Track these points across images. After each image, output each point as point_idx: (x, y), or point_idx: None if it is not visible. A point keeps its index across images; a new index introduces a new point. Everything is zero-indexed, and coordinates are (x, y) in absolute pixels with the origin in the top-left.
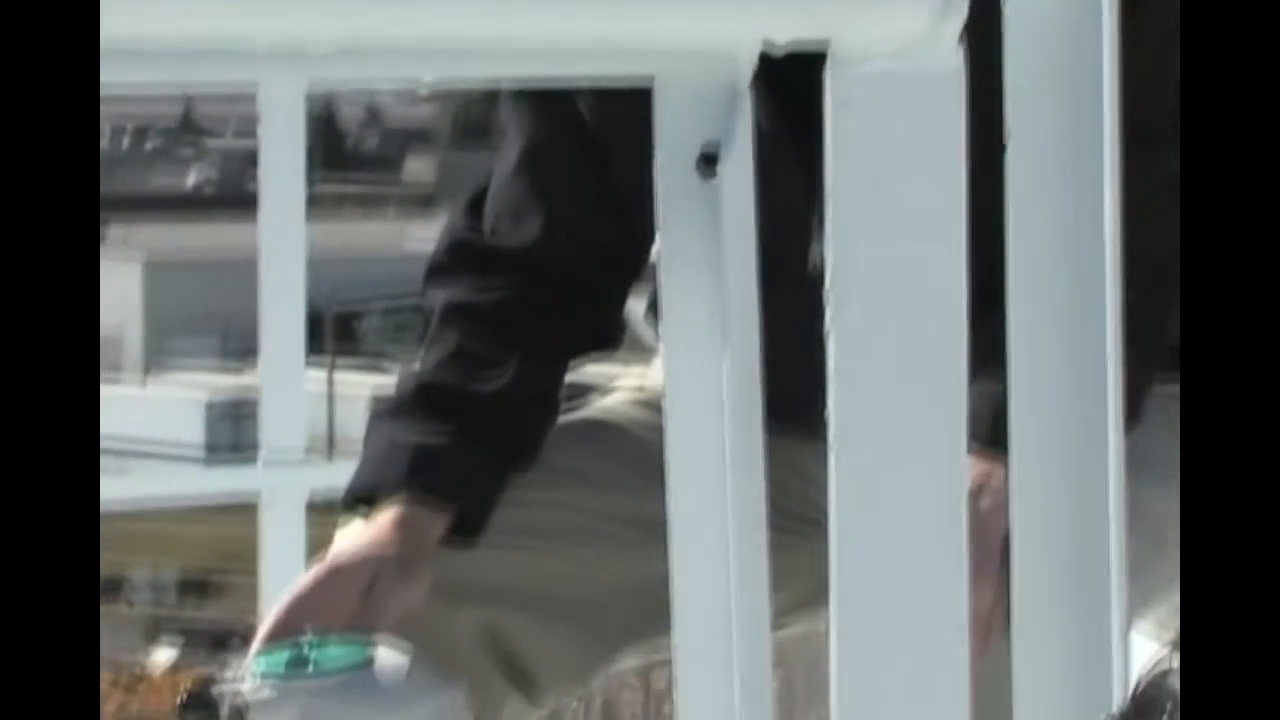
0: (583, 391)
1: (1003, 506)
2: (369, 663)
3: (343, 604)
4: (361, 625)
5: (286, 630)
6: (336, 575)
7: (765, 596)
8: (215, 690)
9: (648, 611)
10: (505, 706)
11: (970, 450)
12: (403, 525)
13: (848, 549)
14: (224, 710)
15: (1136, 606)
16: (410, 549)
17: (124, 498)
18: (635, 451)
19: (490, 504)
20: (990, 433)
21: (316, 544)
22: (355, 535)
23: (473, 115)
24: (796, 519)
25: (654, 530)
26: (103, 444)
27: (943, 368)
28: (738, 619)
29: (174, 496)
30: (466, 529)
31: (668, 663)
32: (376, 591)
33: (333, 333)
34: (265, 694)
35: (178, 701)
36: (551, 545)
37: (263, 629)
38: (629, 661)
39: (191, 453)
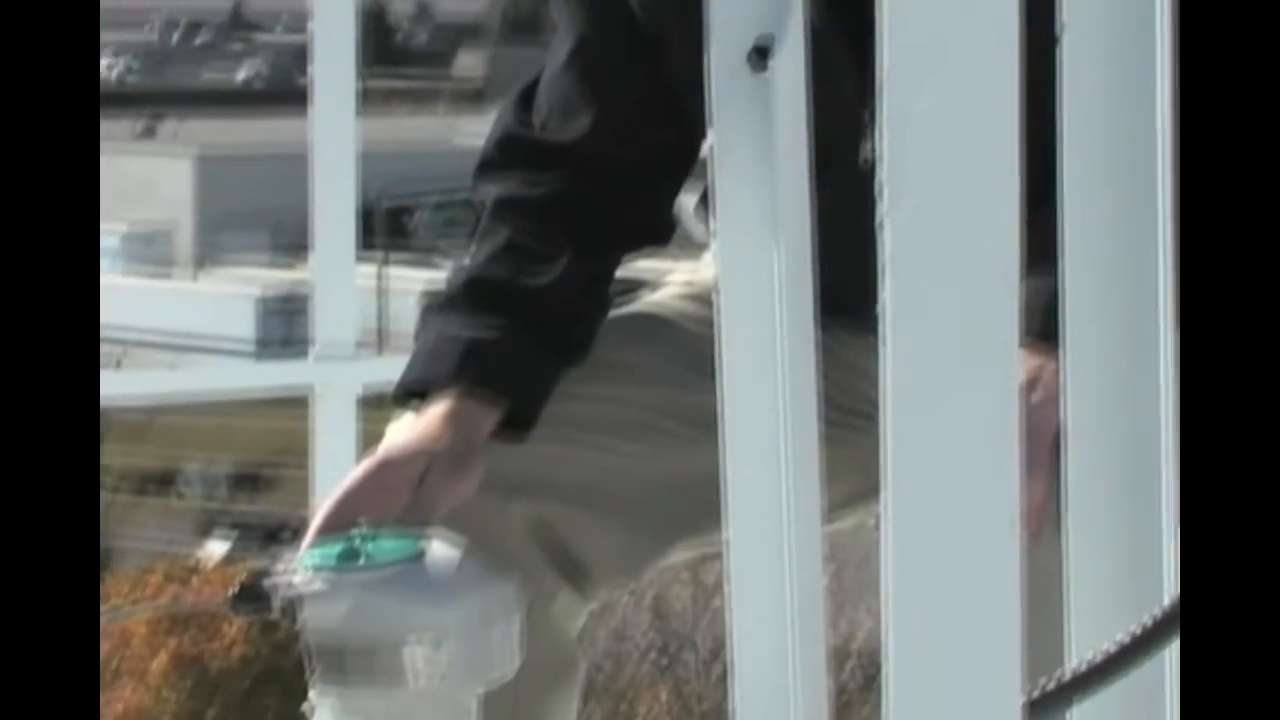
0: (633, 286)
1: (1054, 400)
2: (420, 555)
3: (394, 497)
4: (412, 518)
5: (338, 523)
6: (388, 468)
7: (817, 491)
8: (267, 583)
9: (699, 506)
10: (556, 599)
11: (1022, 344)
12: (453, 419)
13: (900, 443)
14: (276, 602)
15: None
16: (461, 442)
17: (176, 392)
18: (686, 346)
19: (541, 398)
20: (1043, 327)
21: (368, 438)
22: (406, 429)
23: (523, 10)
24: (849, 413)
25: (705, 425)
26: (155, 339)
27: (996, 261)
28: (790, 513)
29: (226, 391)
30: (517, 423)
31: (718, 557)
32: (427, 484)
33: (383, 228)
34: (317, 586)
35: (230, 594)
36: (603, 439)
37: (315, 522)
38: (680, 556)
39: (243, 347)
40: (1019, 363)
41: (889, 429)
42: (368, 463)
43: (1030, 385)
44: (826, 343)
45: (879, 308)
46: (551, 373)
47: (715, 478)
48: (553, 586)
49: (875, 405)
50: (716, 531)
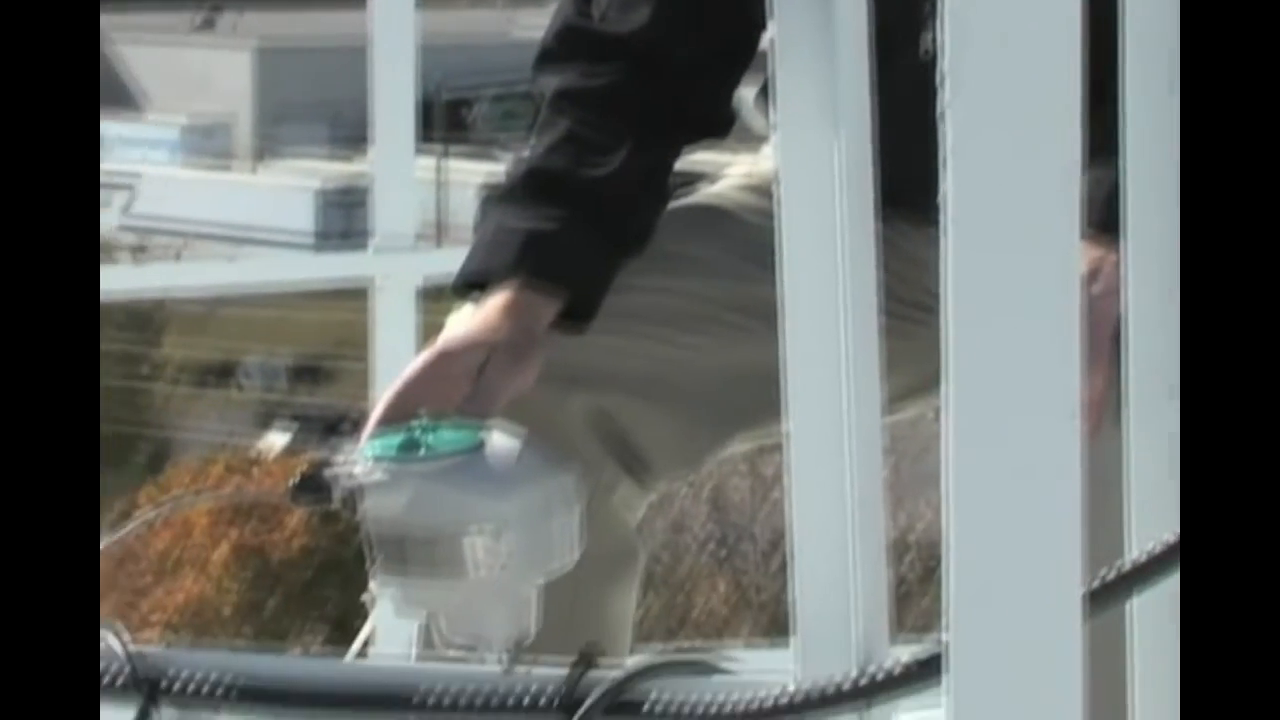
0: (691, 179)
1: (1115, 292)
2: (481, 446)
3: (454, 388)
4: (472, 409)
5: (398, 414)
6: (447, 359)
7: (877, 382)
8: (328, 474)
9: (759, 398)
10: (616, 490)
11: (1083, 236)
12: (513, 310)
13: (961, 334)
14: (336, 493)
15: None
16: (520, 333)
17: (236, 283)
18: (747, 237)
19: (601, 289)
20: (1104, 219)
21: (427, 330)
22: (466, 320)
23: None
24: (910, 305)
25: (765, 316)
26: (214, 231)
27: (1058, 151)
28: (850, 405)
29: (286, 283)
30: (577, 314)
31: (777, 449)
32: (487, 375)
33: (442, 120)
34: (377, 477)
35: (290, 485)
36: (663, 331)
37: (375, 413)
38: (738, 447)
39: (302, 240)
40: (1079, 255)
41: (949, 321)
42: (427, 354)
43: (1090, 277)
44: (887, 235)
45: (940, 199)
46: (611, 264)
47: (775, 370)
48: (612, 478)
49: (936, 297)
50: (775, 423)
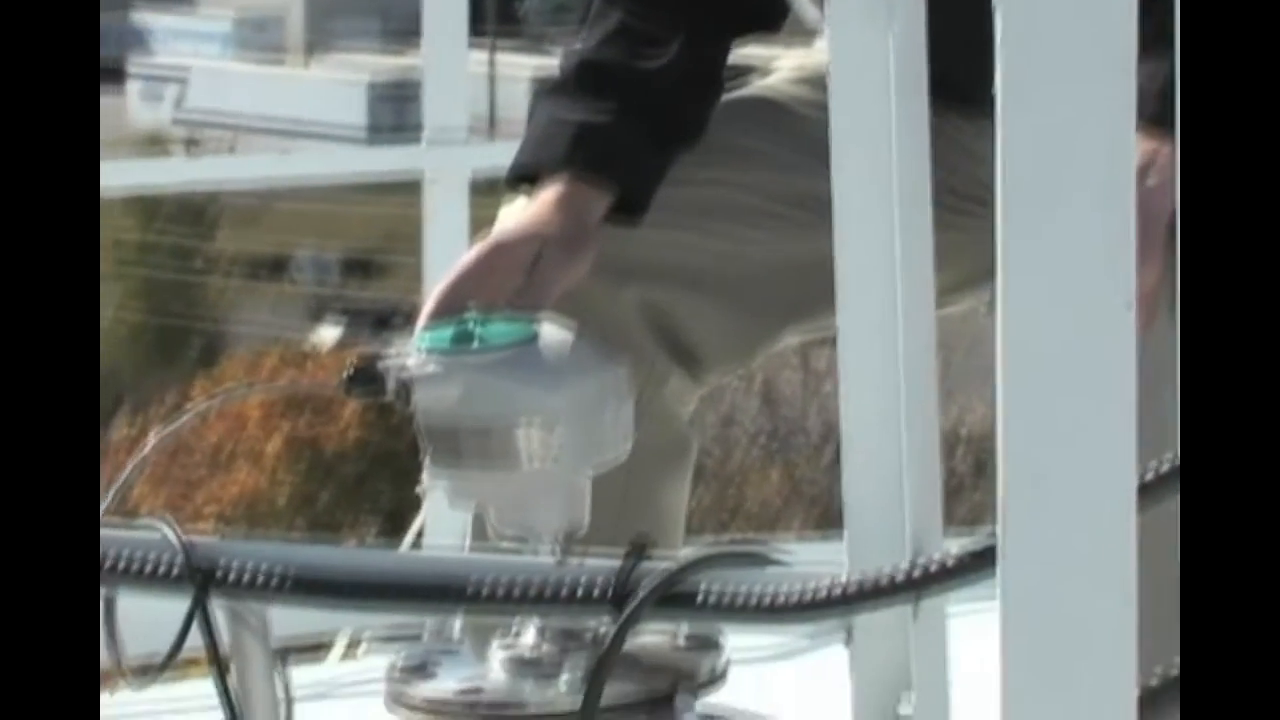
0: (743, 72)
1: (1168, 185)
2: (534, 338)
3: (506, 280)
4: (525, 301)
5: (452, 306)
6: (500, 251)
7: (930, 275)
8: (381, 365)
9: (810, 290)
10: (668, 383)
11: (1137, 128)
12: (565, 202)
13: (1013, 225)
14: (389, 385)
15: None
16: (573, 225)
17: (289, 177)
18: (799, 129)
19: (653, 181)
20: (1157, 111)
21: (478, 224)
22: (519, 213)
23: None
24: (963, 198)
25: (817, 208)
26: (266, 125)
27: (1112, 43)
28: (902, 298)
29: (339, 176)
30: (629, 207)
31: (827, 342)
32: (540, 267)
33: (494, 14)
34: (430, 368)
35: (343, 377)
36: (715, 223)
37: (428, 305)
38: (790, 340)
39: (354, 134)
40: (1134, 146)
41: (1002, 211)
42: (480, 246)
43: (1144, 170)
44: (940, 127)
45: (994, 91)
46: (664, 157)
47: (828, 261)
48: (664, 370)
49: (990, 190)
50: (828, 316)
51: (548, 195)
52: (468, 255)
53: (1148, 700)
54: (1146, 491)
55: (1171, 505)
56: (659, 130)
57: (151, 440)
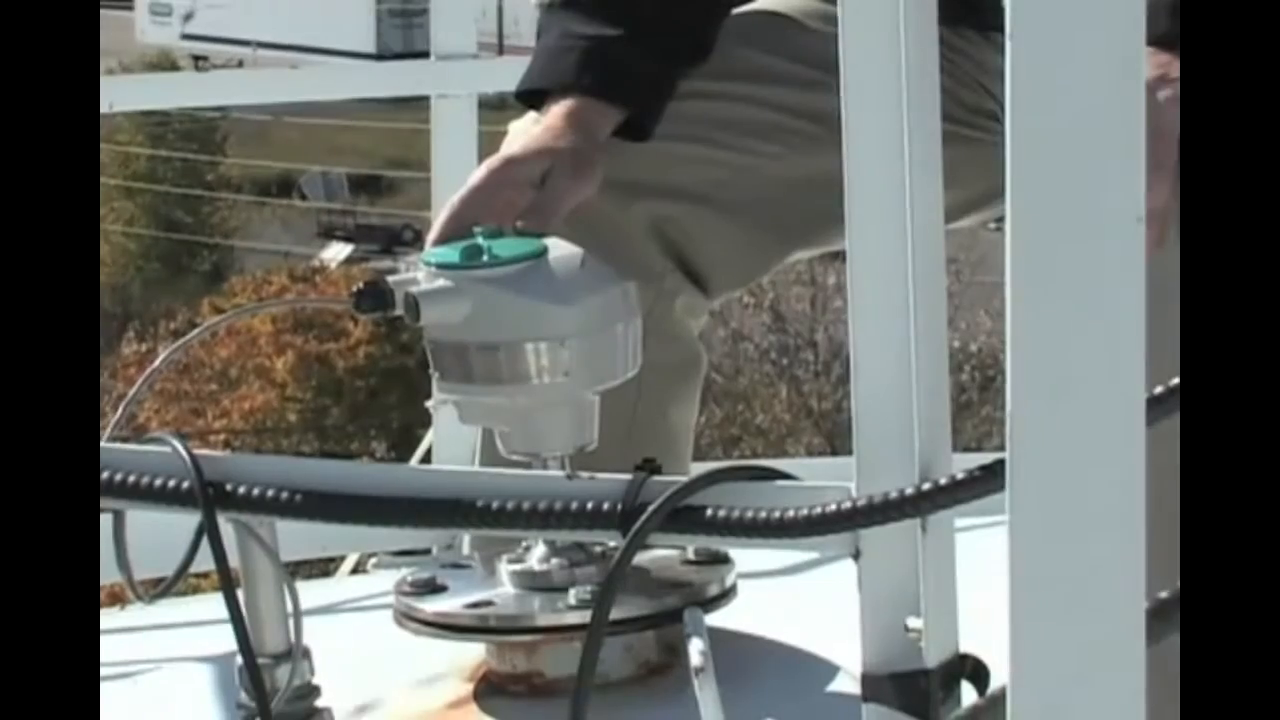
0: None
1: (1178, 102)
2: (543, 254)
3: (516, 196)
4: (533, 218)
5: (461, 222)
6: (510, 167)
7: (939, 191)
8: (389, 282)
9: (821, 207)
10: (679, 298)
11: (1148, 44)
12: (575, 119)
13: (1023, 140)
14: (398, 301)
15: None
16: (582, 143)
17: (298, 94)
18: (810, 44)
19: (662, 100)
20: (1169, 28)
21: (487, 142)
22: (528, 130)
23: None
24: (975, 112)
25: (829, 124)
26: (274, 52)
27: None
28: (912, 214)
29: (348, 93)
30: (638, 125)
31: (836, 259)
32: (549, 184)
33: None
34: (440, 284)
35: (353, 293)
36: (726, 137)
37: (439, 220)
38: (800, 256)
39: (361, 58)
40: (1144, 59)
41: (1010, 123)
42: (490, 161)
43: (1156, 84)
44: (953, 42)
45: (1004, 7)
46: (672, 75)
47: (839, 178)
48: (675, 285)
49: (1001, 105)
50: (838, 233)
51: (557, 113)
52: (478, 171)
53: (1154, 617)
54: (1152, 406)
55: (1174, 424)
56: (668, 46)
57: (161, 356)
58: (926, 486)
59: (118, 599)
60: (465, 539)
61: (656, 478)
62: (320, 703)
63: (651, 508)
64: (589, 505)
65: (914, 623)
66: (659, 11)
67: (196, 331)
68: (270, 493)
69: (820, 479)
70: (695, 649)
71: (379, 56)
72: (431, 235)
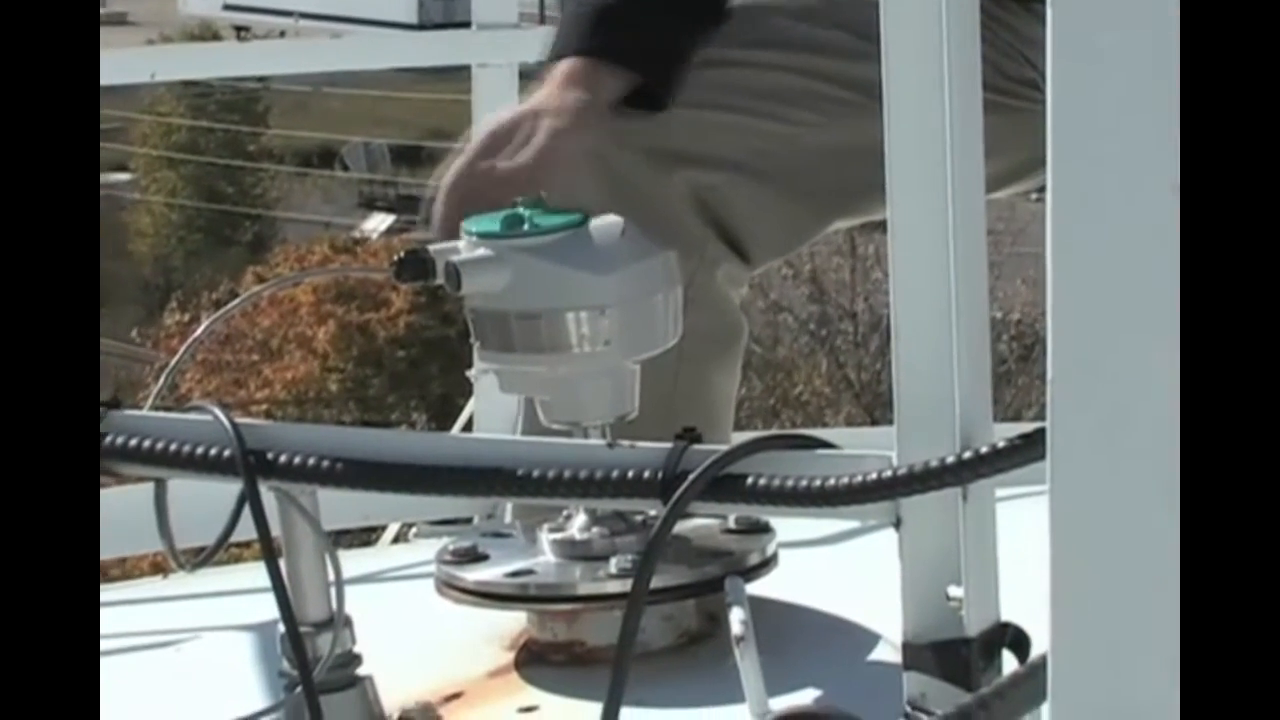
0: None
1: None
2: (584, 223)
3: (512, 155)
4: (529, 174)
5: (465, 190)
6: (500, 131)
7: (980, 161)
8: (431, 250)
9: (860, 176)
10: (720, 267)
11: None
12: (574, 78)
13: (1064, 109)
14: (439, 270)
15: None
16: (575, 100)
17: (340, 64)
18: (852, 13)
19: (677, 66)
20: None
21: None
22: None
23: None
24: (1016, 81)
25: (869, 93)
26: (316, 21)
27: None
28: (953, 184)
29: (389, 63)
30: (653, 92)
31: (874, 229)
32: (535, 139)
33: None
34: (481, 253)
35: (394, 262)
36: (766, 106)
37: (441, 190)
38: (839, 226)
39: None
40: (1177, 28)
41: (1051, 93)
42: (484, 126)
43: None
44: (993, 11)
45: None
46: (689, 41)
47: (880, 148)
48: (716, 254)
49: (1041, 74)
50: (878, 203)
51: (557, 75)
52: (473, 140)
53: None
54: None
55: None
56: (685, 13)
57: (203, 325)
58: (967, 455)
59: (160, 568)
60: (506, 508)
61: (697, 446)
62: (361, 671)
63: (692, 476)
64: (630, 474)
65: (955, 591)
66: None
67: (238, 301)
68: (312, 461)
69: (860, 448)
70: (736, 618)
71: (420, 26)
72: (438, 202)
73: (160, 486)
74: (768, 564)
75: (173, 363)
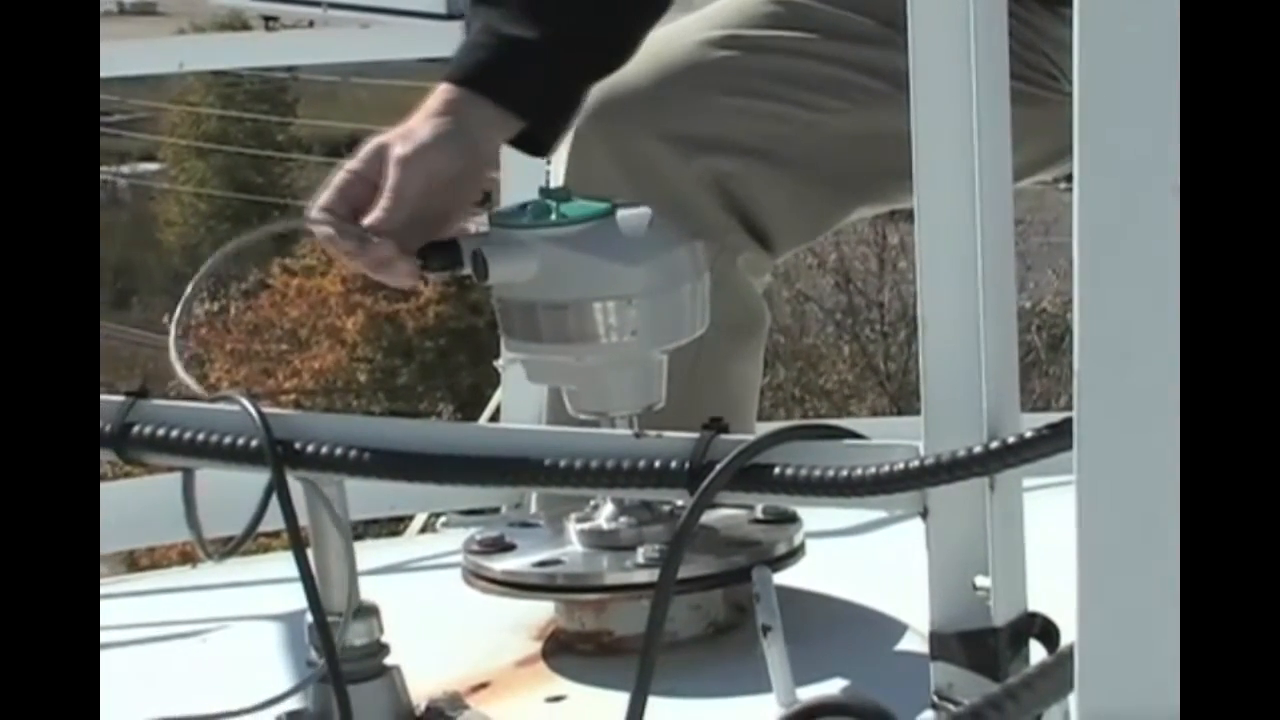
0: None
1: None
2: (612, 214)
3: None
4: (383, 202)
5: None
6: (351, 167)
7: (1008, 150)
8: (458, 240)
9: (884, 163)
10: (741, 255)
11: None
12: (450, 107)
13: (1091, 100)
14: (466, 259)
15: None
16: (442, 129)
17: (367, 57)
18: (878, 1)
19: (565, 114)
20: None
21: None
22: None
23: None
24: (1036, 70)
25: (894, 80)
26: (345, 10)
27: None
28: (980, 173)
29: (418, 54)
30: (532, 136)
31: (900, 218)
32: (386, 168)
33: None
34: (507, 243)
35: (420, 250)
36: (789, 92)
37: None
38: (864, 214)
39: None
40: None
41: (1078, 89)
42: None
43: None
44: (1017, 11)
45: None
46: (575, 88)
47: (905, 136)
48: (737, 241)
49: (1060, 69)
50: (902, 191)
51: (434, 101)
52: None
53: None
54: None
55: None
56: (584, 60)
57: (184, 295)
58: (995, 445)
59: (188, 558)
60: (533, 498)
61: (724, 436)
62: (389, 660)
63: (719, 466)
64: (657, 464)
65: (982, 581)
66: (581, 20)
67: (213, 259)
68: (339, 451)
69: (887, 438)
70: (763, 608)
71: (449, 17)
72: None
73: (188, 476)
74: (795, 554)
75: (171, 342)
